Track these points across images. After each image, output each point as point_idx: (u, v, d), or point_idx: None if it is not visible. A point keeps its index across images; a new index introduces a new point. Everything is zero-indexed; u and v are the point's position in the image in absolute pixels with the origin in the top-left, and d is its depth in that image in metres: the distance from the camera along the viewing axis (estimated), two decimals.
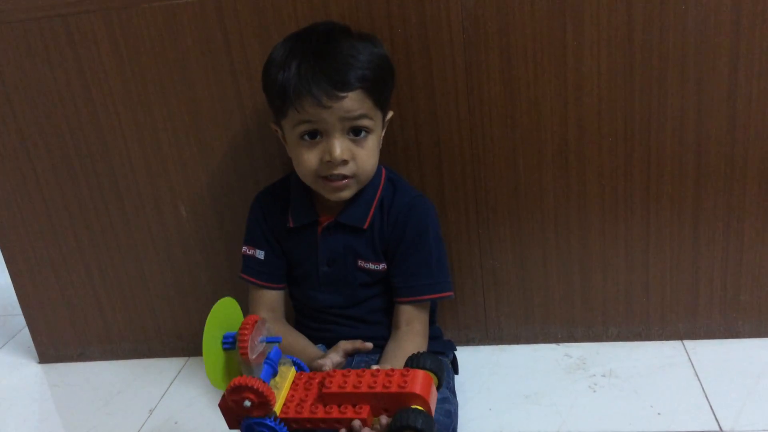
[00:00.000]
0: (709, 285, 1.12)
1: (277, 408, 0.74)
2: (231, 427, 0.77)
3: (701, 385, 1.05)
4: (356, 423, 0.74)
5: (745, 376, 1.05)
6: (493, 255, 1.15)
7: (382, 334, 1.02)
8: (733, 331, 1.14)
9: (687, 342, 1.15)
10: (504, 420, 1.03)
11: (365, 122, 0.91)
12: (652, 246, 1.11)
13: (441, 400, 0.96)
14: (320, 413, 0.74)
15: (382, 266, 1.00)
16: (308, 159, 0.92)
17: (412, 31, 1.02)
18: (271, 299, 1.05)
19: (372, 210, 0.99)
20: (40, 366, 1.36)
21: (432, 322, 1.06)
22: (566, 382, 1.09)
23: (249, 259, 1.04)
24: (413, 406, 0.70)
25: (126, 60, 1.10)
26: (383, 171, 1.02)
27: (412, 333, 0.99)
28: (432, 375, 0.74)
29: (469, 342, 1.22)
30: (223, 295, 1.27)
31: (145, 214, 1.21)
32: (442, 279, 1.01)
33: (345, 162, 0.91)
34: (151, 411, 1.16)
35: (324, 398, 0.74)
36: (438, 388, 0.76)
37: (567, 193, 1.09)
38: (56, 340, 1.34)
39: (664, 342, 1.16)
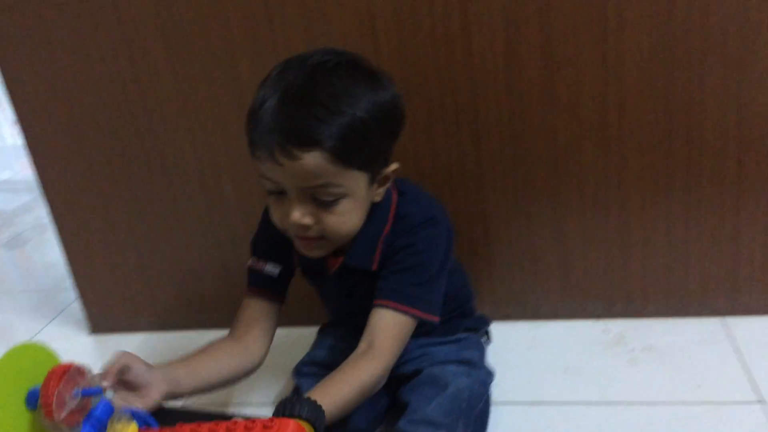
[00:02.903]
0: (750, 261, 1.12)
1: None
2: None
3: (741, 358, 1.05)
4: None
5: None
6: (531, 231, 1.16)
7: None
8: None
9: (727, 318, 1.15)
10: (543, 391, 1.04)
11: (330, 190, 0.77)
12: (692, 222, 1.11)
13: (477, 369, 0.97)
14: None
15: None
16: (275, 213, 0.82)
17: (452, 9, 1.03)
18: (266, 312, 0.95)
19: (378, 251, 0.88)
20: (91, 337, 1.41)
21: (468, 299, 1.07)
22: (605, 356, 1.10)
23: (257, 275, 0.95)
24: None
25: (172, 38, 1.13)
26: (394, 198, 0.90)
27: (368, 355, 0.82)
28: (307, 426, 0.62)
29: (506, 318, 1.23)
30: None
31: (190, 189, 1.24)
32: (431, 299, 0.87)
33: (307, 227, 0.79)
34: None
35: None
36: None
37: (606, 170, 1.09)
38: (106, 312, 1.39)
39: (704, 318, 1.16)
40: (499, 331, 1.16)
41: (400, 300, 0.85)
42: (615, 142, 1.07)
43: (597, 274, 1.17)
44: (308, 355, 1.08)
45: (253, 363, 0.92)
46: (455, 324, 1.04)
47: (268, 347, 0.94)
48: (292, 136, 0.74)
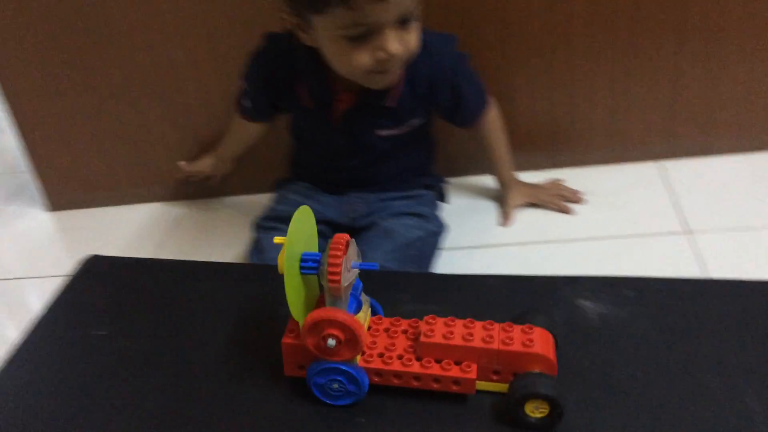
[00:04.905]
0: (688, 104, 1.16)
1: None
2: (288, 372, 0.60)
3: (673, 197, 1.12)
4: None
5: (718, 186, 1.13)
6: None
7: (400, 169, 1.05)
8: (710, 149, 1.21)
9: (664, 161, 1.21)
10: (483, 237, 1.11)
11: (415, 8, 0.83)
12: (635, 70, 1.14)
13: (429, 221, 1.03)
14: (415, 367, 0.57)
15: (402, 129, 0.99)
16: (359, 59, 0.84)
17: None
18: (256, 131, 1.15)
19: (401, 84, 0.93)
20: (49, 213, 1.41)
21: (431, 159, 1.11)
22: None
23: (245, 107, 1.09)
24: (537, 371, 0.55)
25: None
26: None
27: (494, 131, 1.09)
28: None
29: (455, 174, 1.27)
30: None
31: (140, 58, 1.22)
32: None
33: (400, 55, 0.85)
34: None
35: (421, 349, 0.57)
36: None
37: (553, 15, 1.10)
38: (63, 188, 1.39)
39: (642, 163, 1.22)
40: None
41: (481, 107, 1.05)
42: None
43: (543, 126, 1.21)
44: (271, 209, 1.08)
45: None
46: (414, 181, 1.08)
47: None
48: None
